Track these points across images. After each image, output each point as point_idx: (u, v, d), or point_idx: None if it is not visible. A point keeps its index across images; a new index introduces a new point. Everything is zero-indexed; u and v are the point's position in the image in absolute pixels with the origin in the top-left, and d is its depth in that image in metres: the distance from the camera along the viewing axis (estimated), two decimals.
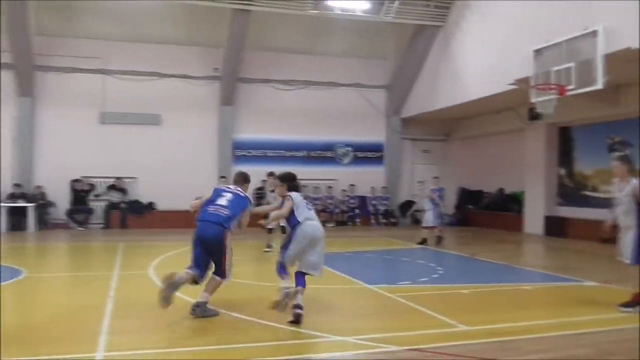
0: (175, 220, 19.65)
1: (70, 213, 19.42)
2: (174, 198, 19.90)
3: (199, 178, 20.49)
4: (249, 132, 21.61)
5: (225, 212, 7.11)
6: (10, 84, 18.88)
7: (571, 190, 18.49)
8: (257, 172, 20.89)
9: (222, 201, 7.24)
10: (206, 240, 7.05)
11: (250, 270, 12.32)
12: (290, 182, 7.31)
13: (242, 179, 7.76)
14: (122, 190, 20.00)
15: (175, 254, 13.18)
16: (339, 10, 19.28)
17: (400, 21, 20.19)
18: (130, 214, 19.85)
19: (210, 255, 7.09)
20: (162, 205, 20.22)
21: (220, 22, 20.09)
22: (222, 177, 17.06)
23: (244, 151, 21.66)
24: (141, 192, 20.29)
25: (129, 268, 11.01)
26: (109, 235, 17.85)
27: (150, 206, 20.23)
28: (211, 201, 7.30)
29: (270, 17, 20.09)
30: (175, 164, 20.30)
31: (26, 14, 17.66)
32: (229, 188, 7.56)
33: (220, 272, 7.13)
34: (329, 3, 18.97)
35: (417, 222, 23.01)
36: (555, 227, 18.22)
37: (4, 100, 18.64)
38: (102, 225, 19.71)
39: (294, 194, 7.17)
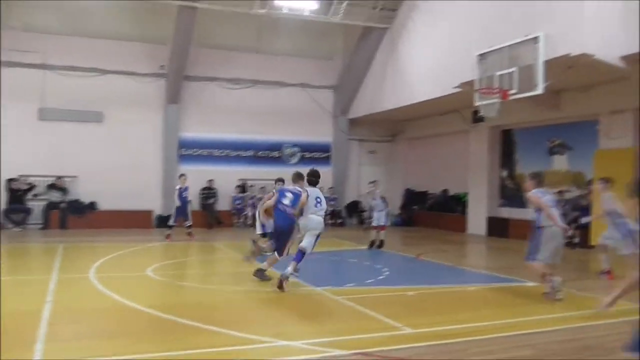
0: (118, 220, 19.30)
1: (7, 213, 18.68)
2: (117, 197, 19.51)
3: (143, 177, 20.19)
4: (195, 131, 21.29)
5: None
6: None
7: (513, 192, 18.95)
8: (203, 172, 20.83)
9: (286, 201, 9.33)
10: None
11: (196, 273, 12.15)
12: (308, 177, 9.46)
13: (299, 177, 9.63)
14: (62, 190, 19.39)
15: (119, 255, 12.87)
16: (287, 9, 19.17)
17: (348, 22, 20.25)
18: (71, 214, 19.27)
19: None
20: (104, 205, 19.73)
21: (166, 19, 19.69)
22: (182, 175, 16.79)
23: (189, 150, 21.32)
24: (82, 192, 19.71)
25: (69, 271, 10.65)
26: (48, 236, 17.27)
27: (91, 206, 19.69)
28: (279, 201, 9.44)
29: (217, 15, 19.82)
30: (118, 163, 19.79)
31: None
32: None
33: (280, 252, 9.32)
34: (277, 2, 18.85)
35: (363, 222, 23.26)
36: (498, 227, 18.64)
37: None
38: (40, 226, 19.06)
39: (309, 189, 9.26)
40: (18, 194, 18.78)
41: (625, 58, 11.56)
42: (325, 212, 9.45)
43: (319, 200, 9.25)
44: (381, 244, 14.75)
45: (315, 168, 9.80)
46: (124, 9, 19.95)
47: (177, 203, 15.99)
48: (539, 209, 8.56)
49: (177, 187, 16.26)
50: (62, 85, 19.24)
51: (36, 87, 19.11)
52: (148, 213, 20.36)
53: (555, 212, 8.53)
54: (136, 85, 20.27)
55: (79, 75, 19.44)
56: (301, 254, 8.94)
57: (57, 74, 19.28)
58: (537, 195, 8.58)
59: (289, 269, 8.81)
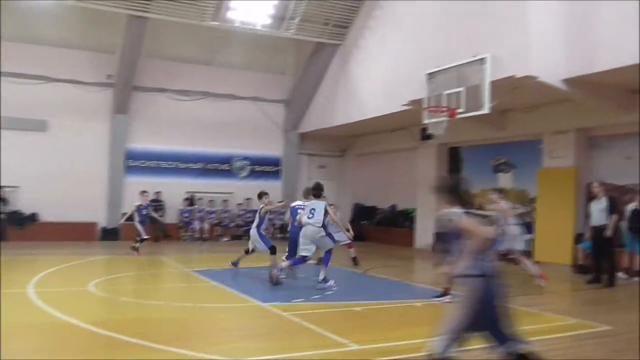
0: (61, 232, 18.78)
1: None
2: (60, 209, 18.98)
3: (88, 188, 19.71)
4: (143, 142, 20.93)
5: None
6: None
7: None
8: (151, 184, 20.46)
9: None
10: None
11: (141, 288, 11.88)
12: (312, 190, 11.12)
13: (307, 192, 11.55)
14: (2, 200, 18.68)
15: (60, 269, 12.47)
16: (239, 23, 19.14)
17: (300, 38, 20.36)
18: (11, 226, 18.58)
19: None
20: (46, 216, 19.13)
21: (115, 27, 19.39)
22: (144, 191, 16.50)
23: (137, 162, 20.93)
24: (23, 202, 19.04)
25: (7, 286, 10.17)
26: None
27: (32, 217, 19.05)
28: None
29: (168, 25, 19.62)
30: (62, 173, 19.24)
31: None
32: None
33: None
34: (229, 15, 18.80)
35: None
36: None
37: None
38: None
39: (309, 202, 11.02)
40: None
41: (567, 81, 11.97)
42: (323, 222, 10.75)
43: (312, 211, 10.64)
44: (355, 262, 14.61)
45: (318, 181, 11.70)
46: (71, 16, 19.46)
47: (138, 218, 15.71)
48: None
49: (137, 203, 15.96)
50: (5, 92, 18.55)
51: None
52: (92, 225, 19.87)
53: None
54: (82, 94, 19.81)
55: (22, 82, 18.80)
56: (300, 259, 10.79)
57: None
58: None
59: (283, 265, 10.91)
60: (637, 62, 10.45)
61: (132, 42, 18.50)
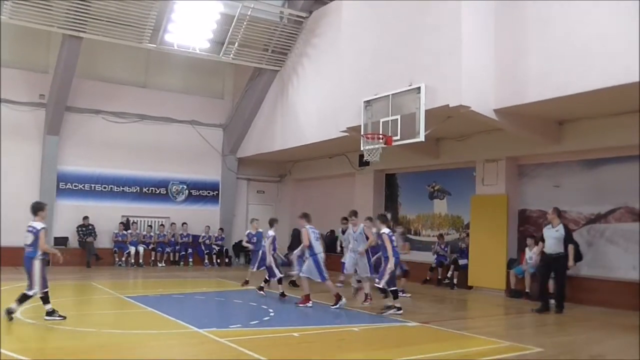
0: None
1: None
2: None
3: (16, 211, 18.81)
4: (75, 165, 20.31)
5: None
6: None
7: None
8: (82, 208, 19.91)
9: None
10: None
11: (72, 314, 11.48)
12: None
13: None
14: None
15: None
16: (177, 46, 19.05)
17: (238, 63, 20.43)
18: None
19: None
20: None
21: (47, 46, 18.90)
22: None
23: (69, 184, 20.30)
24: None
25: None
26: None
27: None
28: None
29: (103, 46, 19.30)
30: None
31: None
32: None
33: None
34: (168, 38, 18.69)
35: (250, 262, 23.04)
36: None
37: None
38: None
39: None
40: None
41: (498, 111, 12.43)
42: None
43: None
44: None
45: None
46: (2, 34, 18.79)
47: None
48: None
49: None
50: None
51: None
52: (20, 250, 18.99)
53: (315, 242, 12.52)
54: (12, 114, 19.11)
55: None
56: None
57: None
58: (306, 228, 12.38)
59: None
60: (563, 94, 10.99)
61: (66, 61, 18.06)
